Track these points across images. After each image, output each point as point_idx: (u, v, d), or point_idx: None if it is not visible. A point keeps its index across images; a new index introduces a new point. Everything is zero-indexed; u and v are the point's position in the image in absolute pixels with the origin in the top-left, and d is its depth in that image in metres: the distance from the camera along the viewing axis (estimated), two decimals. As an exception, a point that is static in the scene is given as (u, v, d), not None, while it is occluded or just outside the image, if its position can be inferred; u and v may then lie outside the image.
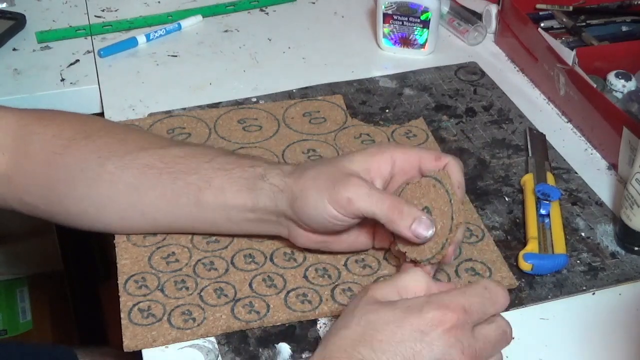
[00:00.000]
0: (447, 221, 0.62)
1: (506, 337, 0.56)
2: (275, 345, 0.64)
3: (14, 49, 1.02)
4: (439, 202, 0.63)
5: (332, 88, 0.95)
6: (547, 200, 0.75)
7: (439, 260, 0.63)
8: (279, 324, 0.66)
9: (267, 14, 1.12)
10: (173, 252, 0.72)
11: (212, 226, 0.71)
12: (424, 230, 0.61)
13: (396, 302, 0.54)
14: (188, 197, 0.68)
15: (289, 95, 0.94)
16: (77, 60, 1.00)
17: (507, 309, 0.67)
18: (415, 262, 0.64)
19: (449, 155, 0.65)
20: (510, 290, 0.69)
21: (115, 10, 1.11)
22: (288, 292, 0.68)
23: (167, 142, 0.74)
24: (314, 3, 1.15)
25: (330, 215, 0.63)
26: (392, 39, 1.02)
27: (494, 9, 1.05)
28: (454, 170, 0.64)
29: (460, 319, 0.52)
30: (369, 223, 0.67)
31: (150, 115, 0.89)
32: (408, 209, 0.61)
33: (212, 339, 0.65)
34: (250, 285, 0.69)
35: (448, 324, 0.52)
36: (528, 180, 0.79)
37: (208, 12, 1.10)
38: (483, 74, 0.99)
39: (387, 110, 0.92)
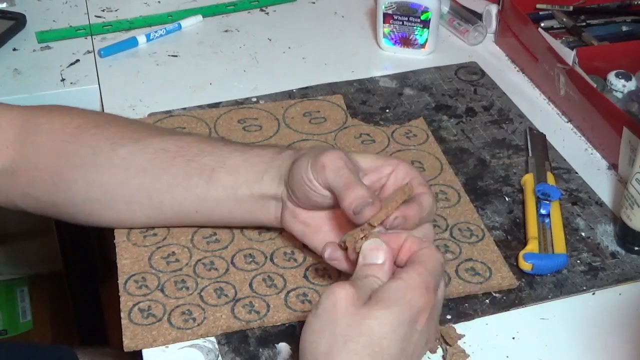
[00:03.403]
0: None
1: (443, 268, 0.59)
2: (275, 345, 0.64)
3: (14, 49, 1.02)
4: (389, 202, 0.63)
5: (332, 88, 0.95)
6: (547, 200, 0.75)
7: (354, 243, 0.61)
8: (279, 324, 0.66)
9: (267, 14, 1.12)
10: (173, 252, 0.72)
11: (216, 207, 0.70)
12: (360, 206, 0.61)
13: (383, 299, 0.54)
14: (200, 176, 0.69)
15: (289, 95, 0.94)
16: (77, 60, 1.00)
17: (507, 309, 0.68)
18: (339, 246, 0.63)
19: (428, 190, 0.65)
20: (510, 290, 0.69)
21: (116, 10, 1.11)
22: (288, 292, 0.68)
23: (180, 132, 0.74)
24: (314, 3, 1.15)
25: (307, 177, 0.64)
26: (392, 39, 1.02)
27: (494, 9, 1.05)
28: (426, 197, 0.64)
29: (435, 300, 0.56)
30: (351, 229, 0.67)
31: (151, 115, 0.89)
32: (361, 191, 0.61)
33: (212, 339, 0.65)
34: (250, 285, 0.69)
35: (429, 308, 0.55)
36: (528, 180, 0.79)
37: (208, 12, 1.10)
38: (483, 74, 0.99)
39: (387, 110, 0.92)
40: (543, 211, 0.75)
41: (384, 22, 1.01)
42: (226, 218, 0.72)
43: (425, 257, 0.57)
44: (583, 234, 0.75)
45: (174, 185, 0.70)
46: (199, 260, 0.71)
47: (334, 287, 0.54)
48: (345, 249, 0.62)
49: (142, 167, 0.70)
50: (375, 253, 0.58)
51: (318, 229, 0.68)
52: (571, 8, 1.02)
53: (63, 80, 0.96)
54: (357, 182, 0.62)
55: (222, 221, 0.72)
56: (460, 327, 0.66)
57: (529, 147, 0.85)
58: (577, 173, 0.83)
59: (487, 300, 0.68)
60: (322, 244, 0.67)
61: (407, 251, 0.59)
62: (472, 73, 0.99)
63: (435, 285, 0.56)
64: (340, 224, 0.67)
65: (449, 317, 0.67)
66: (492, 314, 0.67)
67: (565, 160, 0.84)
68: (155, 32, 1.04)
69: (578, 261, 0.72)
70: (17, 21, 1.05)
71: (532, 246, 0.71)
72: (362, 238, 0.60)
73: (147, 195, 0.70)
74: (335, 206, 0.65)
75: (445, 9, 1.07)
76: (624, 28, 1.01)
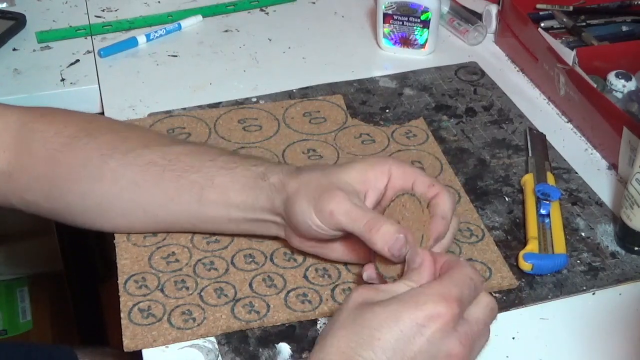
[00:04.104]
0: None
1: (493, 313, 0.57)
2: (275, 345, 0.64)
3: (14, 49, 1.02)
4: (413, 228, 0.62)
5: (332, 88, 0.95)
6: (547, 200, 0.75)
7: (392, 282, 0.61)
8: (279, 324, 0.66)
9: (267, 14, 1.12)
10: (173, 252, 0.72)
11: (212, 225, 0.71)
12: (397, 249, 0.60)
13: (391, 298, 0.54)
14: (190, 195, 0.69)
15: (289, 95, 0.94)
16: (77, 60, 1.00)
17: (507, 309, 0.68)
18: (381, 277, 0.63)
19: (443, 186, 0.64)
20: (510, 290, 0.69)
21: (115, 10, 1.11)
22: (288, 292, 0.68)
23: (170, 140, 0.74)
24: (314, 3, 1.15)
25: (314, 223, 0.63)
26: (392, 39, 1.02)
27: (494, 9, 1.05)
28: (444, 201, 0.63)
29: (456, 311, 0.53)
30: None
31: (151, 115, 0.89)
32: (386, 228, 0.60)
33: (212, 339, 0.65)
34: (250, 285, 0.69)
35: (446, 316, 0.52)
36: (528, 180, 0.79)
37: (208, 12, 1.10)
38: (483, 74, 0.99)
39: (387, 110, 0.92)
40: (543, 211, 0.75)
41: (384, 22, 1.01)
42: (225, 232, 0.72)
43: (452, 270, 0.56)
44: (583, 234, 0.75)
45: (166, 200, 0.70)
46: (199, 260, 0.71)
47: (354, 288, 0.56)
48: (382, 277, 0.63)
49: (133, 181, 0.70)
50: (413, 258, 0.58)
51: (330, 245, 0.68)
52: (571, 8, 1.02)
53: (63, 80, 0.96)
54: (376, 219, 0.61)
55: (221, 233, 0.73)
56: (460, 327, 0.66)
57: (529, 147, 0.85)
58: (577, 173, 0.83)
59: (487, 300, 0.68)
60: (337, 256, 0.69)
61: (445, 268, 0.58)
62: (472, 73, 0.99)
63: (458, 298, 0.53)
64: (355, 239, 0.67)
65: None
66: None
67: (565, 160, 0.84)
68: (155, 32, 1.04)
69: (578, 261, 0.72)
70: (17, 21, 1.05)
71: (532, 246, 0.71)
72: (398, 275, 0.61)
73: (142, 209, 0.70)
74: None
75: (445, 9, 1.07)
76: (624, 28, 1.01)
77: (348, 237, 0.66)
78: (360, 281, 0.68)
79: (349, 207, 0.62)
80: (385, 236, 0.60)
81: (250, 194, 0.67)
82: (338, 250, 0.68)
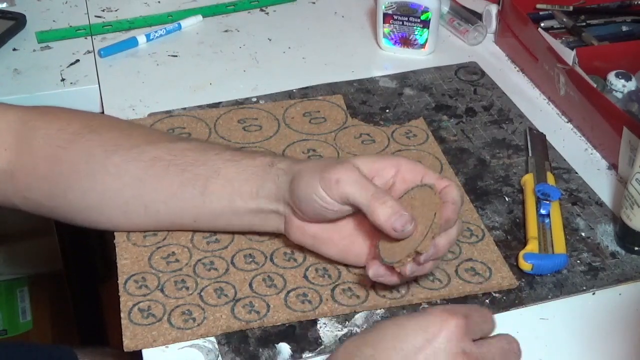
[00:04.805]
0: (423, 231, 0.61)
1: (513, 349, 0.56)
2: (275, 345, 0.64)
3: (14, 49, 1.02)
4: (423, 212, 0.62)
5: (332, 88, 0.95)
6: (547, 200, 0.75)
7: (402, 266, 0.61)
8: (279, 324, 0.66)
9: (267, 14, 1.12)
10: (173, 252, 0.72)
11: (214, 219, 0.70)
12: (401, 224, 0.60)
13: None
14: (195, 187, 0.69)
15: (289, 95, 0.94)
16: (77, 60, 1.00)
17: (507, 309, 0.68)
18: (384, 265, 0.63)
19: (451, 180, 0.65)
20: (510, 290, 0.69)
21: (115, 10, 1.11)
22: (288, 292, 0.68)
23: (174, 137, 0.74)
24: (314, 3, 1.15)
25: (318, 195, 0.63)
26: (392, 39, 1.02)
27: (494, 9, 1.05)
28: (453, 190, 0.64)
29: (462, 324, 0.53)
30: (364, 234, 0.67)
31: (151, 115, 0.89)
32: (392, 202, 0.61)
33: (212, 339, 0.65)
34: (250, 285, 0.69)
35: (451, 326, 0.52)
36: (528, 180, 0.79)
37: (208, 12, 1.10)
38: (483, 74, 0.99)
39: (387, 110, 0.92)
40: (543, 211, 0.75)
41: (384, 22, 1.01)
42: (225, 228, 0.72)
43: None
44: (583, 234, 0.75)
45: (169, 195, 0.70)
46: (199, 260, 0.71)
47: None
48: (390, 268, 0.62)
49: (137, 176, 0.70)
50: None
51: (328, 240, 0.68)
52: (571, 8, 1.02)
53: (63, 80, 0.96)
54: (383, 192, 0.62)
55: (221, 230, 0.73)
56: (460, 327, 0.66)
57: (529, 147, 0.85)
58: (577, 173, 0.83)
59: (487, 301, 0.68)
60: (335, 253, 0.69)
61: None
62: (472, 73, 0.99)
63: (465, 314, 0.53)
64: (350, 230, 0.67)
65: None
66: (492, 314, 0.67)
67: (565, 160, 0.84)
68: (155, 32, 1.04)
69: (578, 261, 0.72)
70: (17, 21, 1.05)
71: (532, 246, 0.71)
72: (407, 257, 0.61)
73: (143, 205, 0.70)
74: (350, 214, 0.65)
75: (445, 9, 1.07)
76: (624, 28, 1.01)
77: (349, 232, 0.67)
78: (363, 280, 0.68)
79: (356, 177, 0.62)
80: (390, 209, 0.60)
81: (257, 182, 0.68)
82: (336, 245, 0.68)
